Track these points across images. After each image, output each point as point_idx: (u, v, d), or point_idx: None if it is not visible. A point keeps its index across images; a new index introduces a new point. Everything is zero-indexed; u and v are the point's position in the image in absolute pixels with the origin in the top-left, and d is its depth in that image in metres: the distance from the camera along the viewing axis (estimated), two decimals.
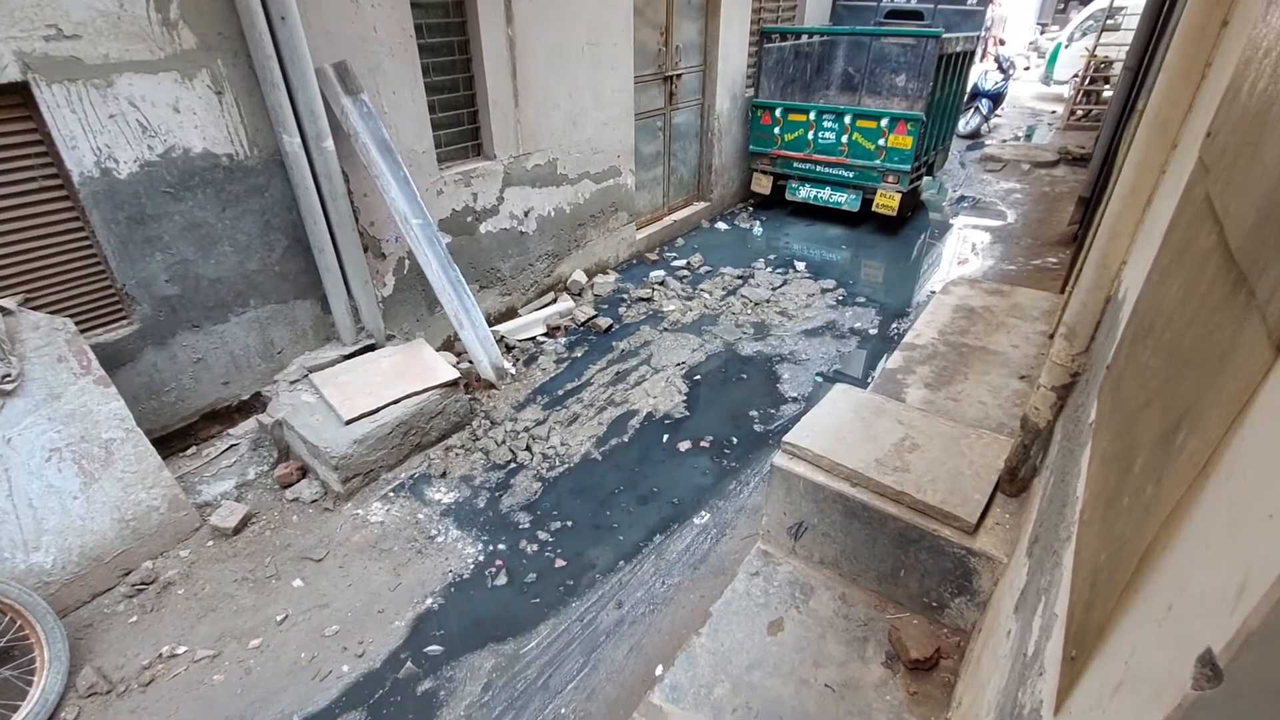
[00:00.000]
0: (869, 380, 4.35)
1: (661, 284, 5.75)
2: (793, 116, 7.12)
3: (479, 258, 4.72)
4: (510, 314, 5.13)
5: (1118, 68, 11.43)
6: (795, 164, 7.31)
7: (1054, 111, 14.26)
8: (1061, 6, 21.28)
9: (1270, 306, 0.60)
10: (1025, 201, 8.22)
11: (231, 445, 3.59)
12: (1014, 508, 2.23)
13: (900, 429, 2.57)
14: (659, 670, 2.48)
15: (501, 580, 2.93)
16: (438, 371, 3.74)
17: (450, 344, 4.67)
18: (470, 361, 4.26)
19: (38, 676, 2.41)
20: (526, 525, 3.23)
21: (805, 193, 7.38)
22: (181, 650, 2.62)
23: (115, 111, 2.80)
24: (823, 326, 5.13)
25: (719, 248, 6.78)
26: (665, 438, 3.86)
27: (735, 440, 3.83)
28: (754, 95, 7.44)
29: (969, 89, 10.13)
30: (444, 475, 3.54)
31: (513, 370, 4.40)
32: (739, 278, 5.96)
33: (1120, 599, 0.69)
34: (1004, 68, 11.65)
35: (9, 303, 2.66)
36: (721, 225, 7.46)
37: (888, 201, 6.83)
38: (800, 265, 6.24)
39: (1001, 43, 14.40)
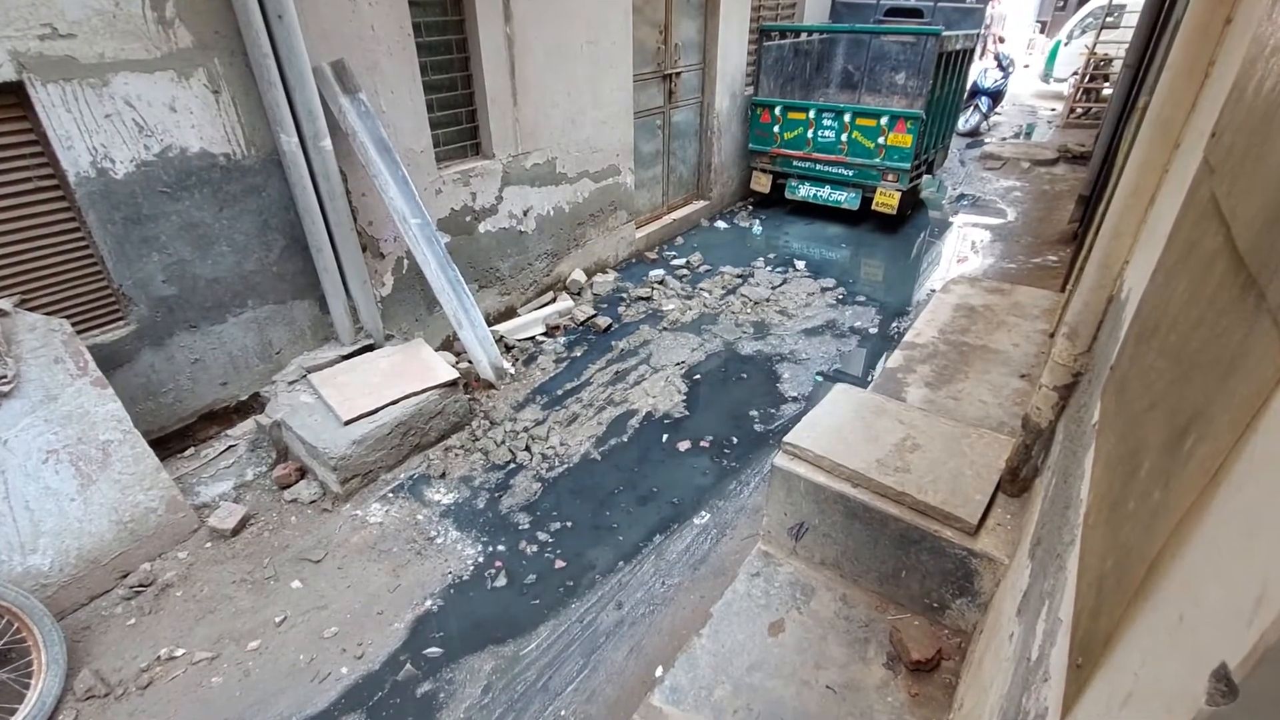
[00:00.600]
0: (869, 379, 4.34)
1: (661, 283, 5.74)
2: (792, 115, 7.10)
3: (478, 257, 4.70)
4: (509, 313, 5.11)
5: (1117, 65, 11.42)
6: (795, 162, 7.30)
7: (1053, 109, 14.25)
8: (1061, 4, 21.27)
9: None
10: (1025, 199, 8.21)
11: (230, 446, 3.58)
12: (1015, 508, 2.22)
13: (901, 429, 2.56)
14: (659, 672, 2.47)
15: (501, 581, 2.92)
16: (437, 371, 3.73)
17: (449, 344, 4.65)
18: (469, 361, 4.24)
19: (35, 679, 2.40)
20: (526, 526, 3.22)
21: (805, 191, 7.37)
22: (180, 652, 2.61)
23: (111, 111, 2.78)
24: (823, 325, 5.12)
25: (718, 247, 6.77)
26: (665, 437, 3.85)
27: (735, 440, 3.82)
28: (753, 93, 7.42)
29: (968, 87, 10.11)
30: (443, 476, 3.53)
31: (512, 370, 4.39)
32: (739, 277, 5.95)
33: (1128, 608, 0.68)
34: (1004, 65, 11.63)
35: (5, 304, 2.64)
36: (721, 224, 7.45)
37: (887, 200, 6.81)
38: (800, 264, 6.23)
39: (1001, 40, 14.38)
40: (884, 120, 6.59)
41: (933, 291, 5.49)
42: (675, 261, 6.31)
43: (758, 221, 7.49)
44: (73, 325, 2.82)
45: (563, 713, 2.38)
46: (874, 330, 5.07)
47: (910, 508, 2.24)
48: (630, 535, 3.17)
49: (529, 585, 2.91)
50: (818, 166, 7.18)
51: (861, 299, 5.57)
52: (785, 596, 2.48)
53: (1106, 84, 12.20)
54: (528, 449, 3.72)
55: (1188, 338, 0.88)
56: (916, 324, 3.92)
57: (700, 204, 7.40)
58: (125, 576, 2.92)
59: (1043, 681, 0.98)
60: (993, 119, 12.63)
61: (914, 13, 9.16)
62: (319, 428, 3.35)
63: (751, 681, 2.16)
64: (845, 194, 7.12)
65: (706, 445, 3.78)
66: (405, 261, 4.20)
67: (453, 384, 3.71)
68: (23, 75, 2.53)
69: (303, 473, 3.46)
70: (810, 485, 2.44)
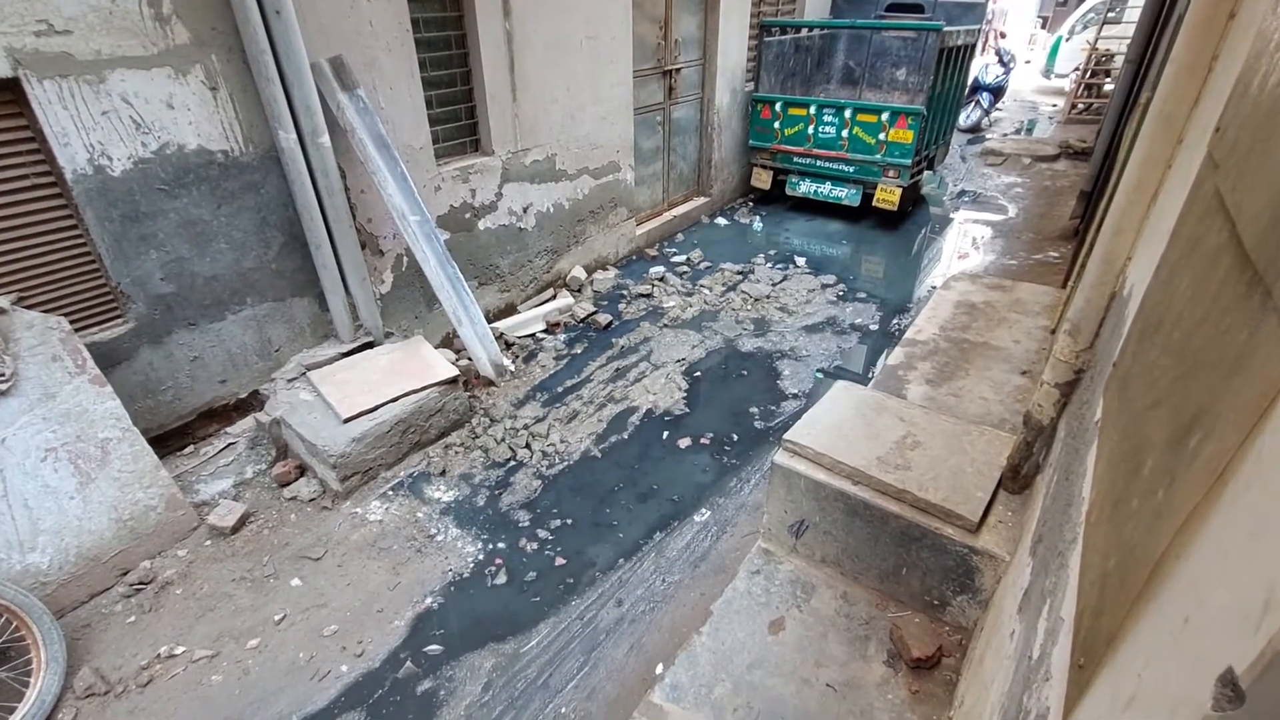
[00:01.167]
0: (870, 376, 4.33)
1: (661, 280, 5.73)
2: (793, 111, 7.08)
3: (478, 254, 4.69)
4: (509, 310, 5.10)
5: (1119, 61, 11.38)
6: (795, 159, 7.28)
7: (1055, 105, 14.21)
8: (1063, 0, 21.19)
9: None
10: (1026, 196, 8.19)
11: (229, 444, 3.57)
12: (1016, 505, 2.21)
13: (902, 426, 2.56)
14: (659, 669, 2.46)
15: (501, 579, 2.92)
16: (437, 369, 3.72)
17: (449, 341, 4.64)
18: (469, 359, 4.24)
19: (34, 678, 2.40)
20: (526, 523, 3.22)
21: (805, 188, 7.35)
22: (180, 650, 2.61)
23: (108, 108, 2.77)
24: (823, 322, 5.11)
25: (719, 243, 6.75)
26: (665, 435, 3.84)
27: (735, 437, 3.82)
28: (754, 89, 7.39)
29: (970, 82, 10.08)
30: (443, 473, 3.52)
31: (512, 367, 4.38)
32: (739, 273, 5.94)
33: (1132, 608, 0.67)
34: (1005, 61, 11.59)
35: (3, 302, 2.63)
36: (721, 220, 7.43)
37: (888, 196, 6.79)
38: (800, 261, 6.22)
39: (1003, 36, 14.33)
40: (885, 116, 6.57)
41: (934, 288, 5.47)
42: (676, 258, 6.29)
43: (758, 218, 7.47)
44: (71, 323, 2.81)
45: (563, 710, 2.38)
46: (874, 327, 5.06)
47: (911, 505, 2.23)
48: (630, 532, 3.16)
49: (529, 583, 2.90)
50: (818, 163, 7.16)
51: (862, 295, 5.56)
52: (785, 594, 2.47)
53: (1108, 79, 12.16)
54: (528, 446, 3.71)
55: (1192, 335, 0.87)
56: (917, 321, 3.91)
57: (701, 200, 7.38)
58: (125, 574, 2.91)
59: (1044, 681, 0.97)
60: (994, 115, 12.59)
61: (915, 8, 9.12)
62: (318, 425, 3.35)
63: (752, 679, 2.16)
64: (846, 190, 7.10)
65: (707, 442, 3.77)
66: (405, 259, 4.19)
67: (453, 381, 3.71)
68: (19, 72, 2.51)
69: (302, 470, 3.45)
70: (810, 483, 2.43)
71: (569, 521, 3.23)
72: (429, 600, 2.82)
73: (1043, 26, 21.86)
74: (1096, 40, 11.79)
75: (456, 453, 3.66)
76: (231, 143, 3.18)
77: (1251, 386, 0.61)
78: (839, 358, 4.64)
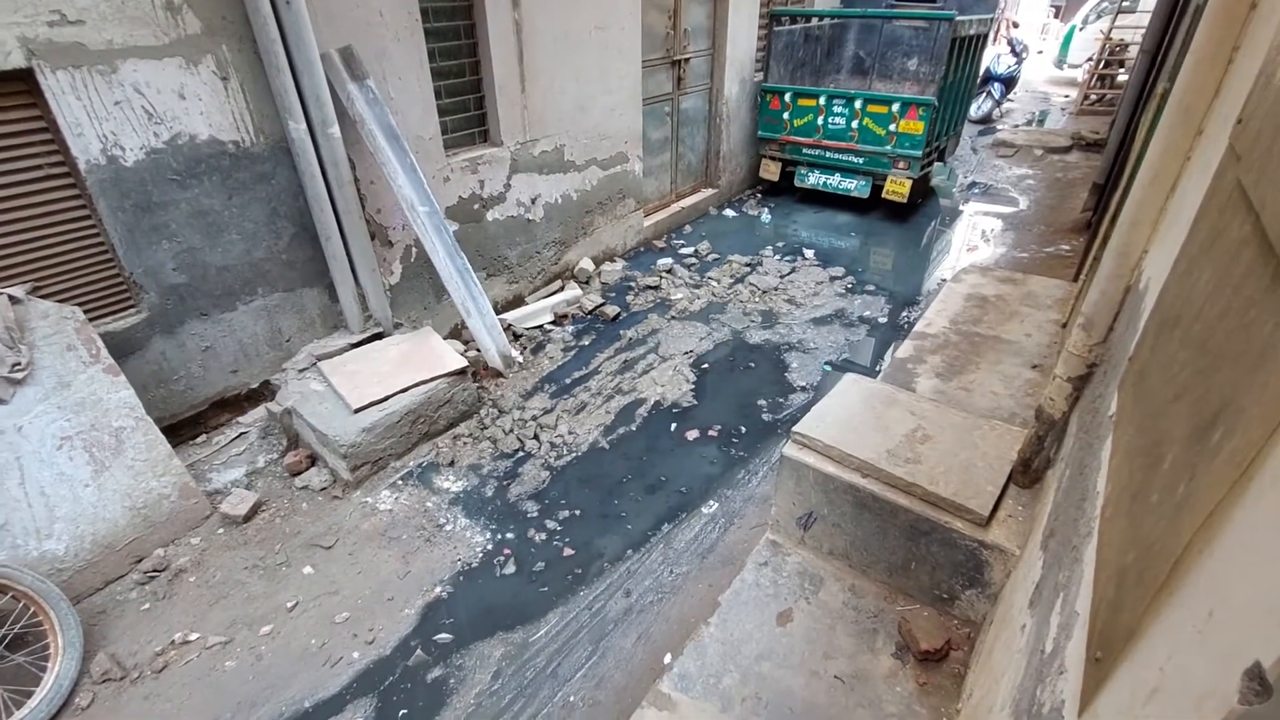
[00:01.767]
0: (879, 369, 4.32)
1: (669, 272, 5.72)
2: (802, 101, 7.03)
3: (486, 245, 4.69)
4: (517, 302, 5.11)
5: (1133, 51, 11.24)
6: (804, 150, 7.24)
7: (1067, 96, 14.06)
8: None
9: None
10: (1038, 188, 8.11)
11: (241, 433, 3.60)
12: (1027, 500, 2.21)
13: (912, 419, 2.55)
14: (668, 659, 2.48)
15: (510, 569, 2.93)
16: (445, 360, 3.73)
17: (458, 332, 4.66)
18: (478, 350, 4.25)
19: (51, 663, 2.43)
20: (535, 514, 3.23)
21: (814, 179, 7.31)
22: (194, 637, 2.64)
23: (121, 98, 2.78)
24: (831, 315, 5.09)
25: (727, 235, 6.73)
26: (673, 426, 3.84)
27: (743, 429, 3.82)
28: (763, 80, 7.35)
29: (981, 73, 9.97)
30: (452, 464, 3.54)
31: (520, 358, 4.39)
32: (747, 265, 5.92)
33: (1152, 602, 0.67)
34: (1017, 51, 11.47)
35: (17, 291, 2.66)
36: (729, 212, 7.40)
37: (898, 188, 6.75)
38: (809, 253, 6.19)
39: (1015, 25, 14.16)
40: (895, 107, 6.52)
41: (943, 281, 5.45)
42: (684, 250, 6.28)
43: (766, 210, 7.44)
44: (84, 313, 2.83)
45: (572, 698, 2.40)
46: (883, 320, 5.04)
47: (920, 499, 2.23)
48: (638, 524, 3.18)
49: (538, 573, 2.92)
50: (828, 154, 7.11)
51: (871, 288, 5.54)
52: (793, 586, 2.48)
53: (1122, 70, 12.01)
54: (536, 437, 3.72)
55: (1213, 328, 0.87)
56: (927, 314, 3.89)
57: (709, 192, 7.35)
58: (139, 562, 2.95)
59: (1058, 674, 0.97)
60: (1005, 105, 12.47)
61: None
62: (329, 415, 3.37)
63: (760, 670, 2.17)
64: (855, 182, 7.06)
65: (715, 434, 3.78)
66: (414, 250, 4.20)
67: (461, 372, 3.72)
68: (32, 62, 2.52)
69: (313, 460, 3.48)
70: (819, 475, 2.43)
71: (577, 512, 3.24)
72: (439, 589, 2.84)
73: (1055, 15, 21.58)
74: (1110, 30, 11.63)
75: (465, 443, 3.68)
76: (242, 133, 3.19)
77: (1277, 380, 0.60)
78: (847, 350, 4.63)
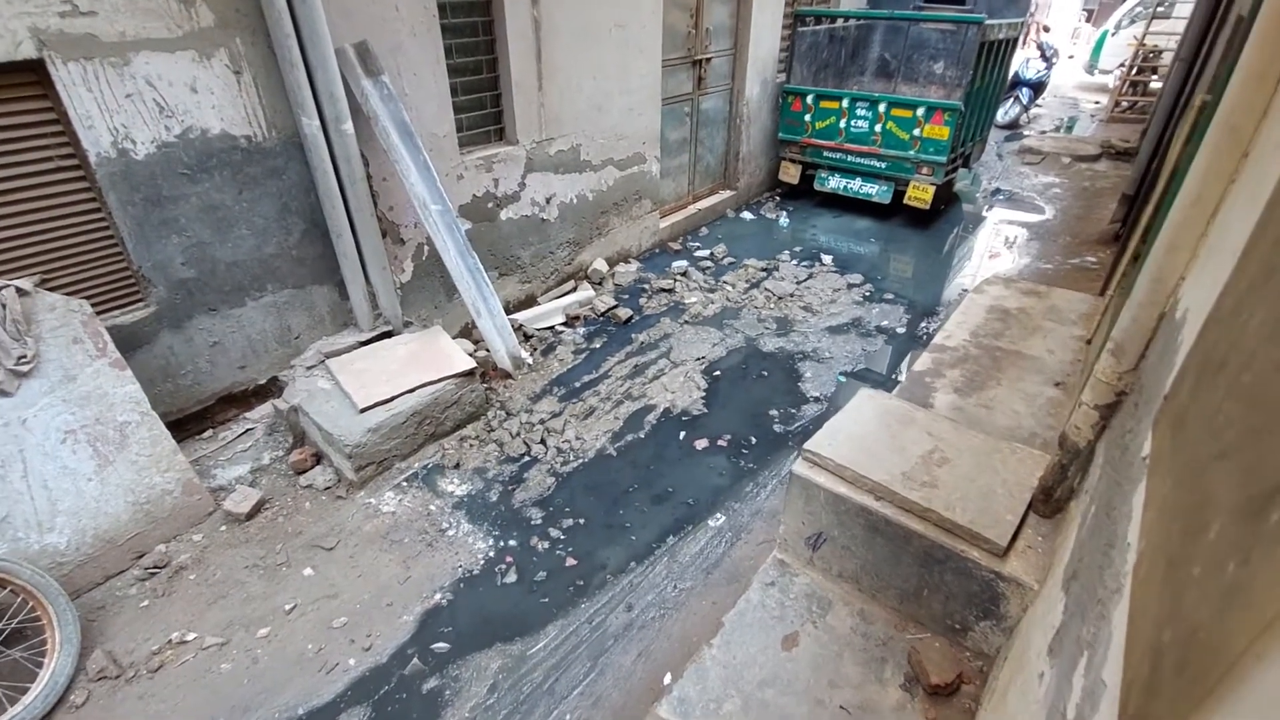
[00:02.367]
0: (894, 379, 4.21)
1: (684, 275, 5.64)
2: (825, 104, 6.91)
3: (499, 244, 4.65)
4: (529, 302, 5.06)
5: (1167, 58, 10.96)
6: (825, 153, 7.11)
7: (1097, 102, 13.76)
8: None
9: None
10: (1064, 197, 7.92)
11: (248, 429, 3.59)
12: (1047, 530, 2.11)
13: (929, 440, 2.46)
14: (667, 679, 2.42)
15: (511, 578, 2.88)
16: (454, 360, 3.69)
17: (468, 331, 4.62)
18: (488, 350, 4.20)
19: (48, 658, 2.42)
20: (538, 521, 3.18)
21: (835, 183, 7.18)
22: (191, 637, 2.62)
23: (132, 91, 2.76)
24: (848, 323, 4.99)
25: (744, 238, 6.64)
26: (682, 435, 3.77)
27: (754, 440, 3.74)
28: (785, 81, 7.23)
29: (1010, 77, 9.78)
30: (457, 466, 3.50)
31: (530, 360, 4.34)
32: (763, 270, 5.83)
33: (1199, 705, 0.60)
34: (1047, 55, 11.22)
35: (25, 283, 2.65)
36: (747, 215, 7.30)
37: (921, 194, 6.61)
38: (827, 258, 6.08)
39: (1046, 29, 13.88)
40: (920, 111, 6.38)
41: (964, 291, 5.32)
42: (699, 253, 6.20)
43: (785, 213, 7.33)
44: (92, 306, 2.82)
45: (568, 717, 2.34)
46: (901, 330, 4.93)
47: (936, 525, 2.14)
48: (643, 535, 3.11)
49: (539, 583, 2.87)
50: (849, 158, 6.99)
51: (889, 296, 5.42)
52: (800, 609, 2.40)
53: (1155, 77, 11.72)
54: (543, 442, 3.67)
55: (1269, 381, 0.78)
56: (947, 325, 3.78)
57: (726, 194, 7.26)
58: (140, 557, 2.94)
59: None
60: (1033, 111, 12.22)
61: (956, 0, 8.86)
62: (335, 414, 3.34)
63: (763, 697, 2.10)
64: (877, 187, 6.93)
65: (724, 444, 3.70)
66: (426, 248, 4.16)
67: (470, 373, 3.68)
68: (43, 53, 2.50)
69: (318, 458, 3.45)
70: (830, 496, 2.35)
71: (581, 521, 3.18)
72: (438, 596, 2.80)
73: (1087, 20, 21.14)
74: (1144, 35, 11.35)
75: (471, 446, 3.64)
76: (255, 128, 3.16)
77: None
78: (863, 361, 4.53)
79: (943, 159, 6.40)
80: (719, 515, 3.23)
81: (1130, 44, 12.28)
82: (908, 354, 4.62)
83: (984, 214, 7.45)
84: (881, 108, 6.57)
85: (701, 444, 3.70)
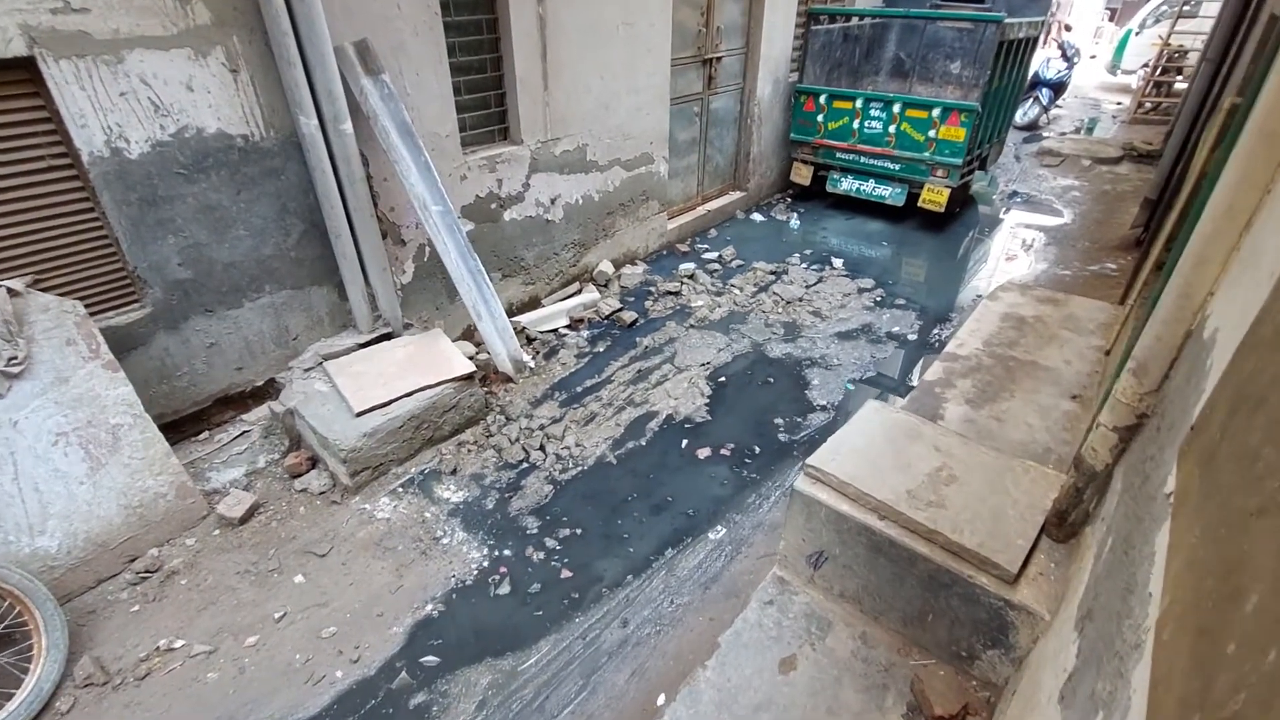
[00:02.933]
0: (905, 391, 4.10)
1: (691, 277, 5.55)
2: (838, 104, 6.79)
3: (502, 246, 4.58)
4: (533, 304, 5.00)
5: (1193, 58, 10.69)
6: (838, 154, 6.99)
7: (1119, 103, 13.48)
8: None
9: None
10: (1084, 200, 7.74)
11: (244, 431, 3.55)
12: (1060, 556, 2.01)
13: (937, 457, 2.36)
14: (660, 700, 2.34)
15: (505, 589, 2.82)
16: (454, 364, 3.63)
17: (470, 333, 4.56)
18: (489, 353, 4.14)
19: (34, 664, 2.38)
20: (534, 530, 3.11)
21: (847, 185, 7.06)
22: (179, 644, 2.58)
23: (126, 89, 2.71)
24: (858, 329, 4.87)
25: (753, 240, 6.53)
26: (684, 443, 3.69)
27: (757, 449, 3.64)
28: (798, 80, 7.11)
29: (1029, 77, 9.58)
30: (454, 472, 3.44)
31: (531, 364, 4.27)
32: (772, 273, 5.72)
33: None
34: (1068, 55, 10.99)
35: (17, 284, 2.61)
36: (757, 216, 7.19)
37: (935, 197, 6.47)
38: (837, 262, 5.96)
39: (1068, 28, 13.62)
40: (936, 112, 6.24)
41: (979, 297, 5.19)
42: (707, 255, 6.10)
43: (795, 215, 7.21)
44: (86, 307, 2.78)
45: None
46: (913, 337, 4.81)
47: (942, 548, 2.05)
48: (641, 547, 3.03)
49: (533, 595, 2.80)
50: (862, 159, 6.86)
51: (901, 302, 5.30)
52: (799, 629, 2.31)
53: (1179, 77, 11.45)
54: (542, 448, 3.60)
55: None
56: (959, 333, 3.67)
57: (736, 195, 7.15)
58: (132, 561, 2.90)
59: None
60: (1053, 112, 11.99)
61: None
62: (331, 418, 3.29)
63: None
64: (890, 189, 6.80)
65: (727, 453, 3.61)
66: (427, 249, 4.10)
67: (469, 377, 3.61)
68: (34, 50, 2.46)
69: (314, 462, 3.40)
70: (832, 514, 2.25)
71: (578, 531, 3.11)
72: (430, 607, 2.73)
73: (1110, 19, 20.75)
74: (1170, 35, 11.08)
75: (469, 451, 3.58)
76: (252, 127, 3.11)
77: None
78: (872, 368, 4.41)
79: (958, 161, 6.25)
80: (719, 527, 3.14)
81: (1154, 44, 12.01)
82: (919, 361, 4.51)
83: (1001, 217, 7.29)
84: (896, 108, 6.44)
85: (704, 452, 3.61)
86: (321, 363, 3.65)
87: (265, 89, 3.09)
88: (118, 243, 2.92)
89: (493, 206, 4.40)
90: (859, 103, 6.64)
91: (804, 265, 5.91)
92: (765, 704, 2.07)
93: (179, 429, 3.35)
